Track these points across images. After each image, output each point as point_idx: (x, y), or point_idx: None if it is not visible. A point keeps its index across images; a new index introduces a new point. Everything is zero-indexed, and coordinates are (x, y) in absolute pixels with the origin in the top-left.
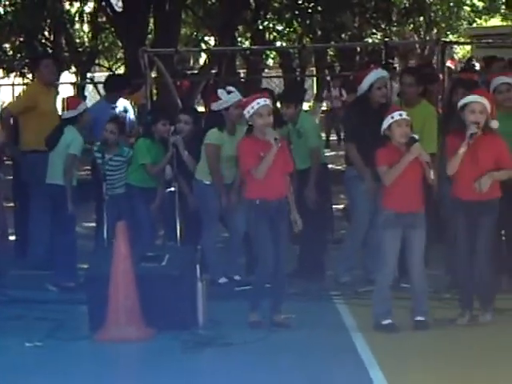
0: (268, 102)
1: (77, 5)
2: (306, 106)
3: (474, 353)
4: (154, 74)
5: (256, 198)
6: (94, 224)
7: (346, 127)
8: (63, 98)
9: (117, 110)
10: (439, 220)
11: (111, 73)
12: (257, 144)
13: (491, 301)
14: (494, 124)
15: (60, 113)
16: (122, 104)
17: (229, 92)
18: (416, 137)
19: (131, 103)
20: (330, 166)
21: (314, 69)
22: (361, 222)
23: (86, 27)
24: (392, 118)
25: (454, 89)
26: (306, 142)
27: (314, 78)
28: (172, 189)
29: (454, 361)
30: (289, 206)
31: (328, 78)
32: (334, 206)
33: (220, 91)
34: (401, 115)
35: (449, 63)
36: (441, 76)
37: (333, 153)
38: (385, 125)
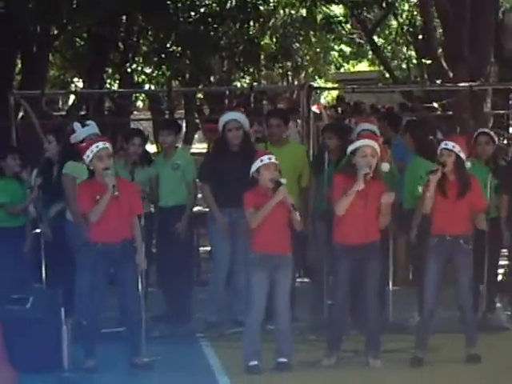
0: (107, 144)
1: None
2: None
3: None
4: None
5: (98, 241)
6: None
7: (201, 168)
8: None
9: None
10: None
11: None
12: (95, 187)
13: (379, 346)
14: (385, 167)
15: None
16: None
17: (83, 125)
18: (282, 181)
19: None
20: (197, 208)
21: (183, 111)
22: (220, 262)
23: None
24: (261, 161)
25: (323, 132)
26: (184, 176)
27: (184, 121)
28: (37, 230)
29: None
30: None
31: (197, 121)
32: (201, 248)
33: (75, 124)
34: (270, 159)
35: (314, 108)
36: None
37: (200, 195)
38: (253, 168)
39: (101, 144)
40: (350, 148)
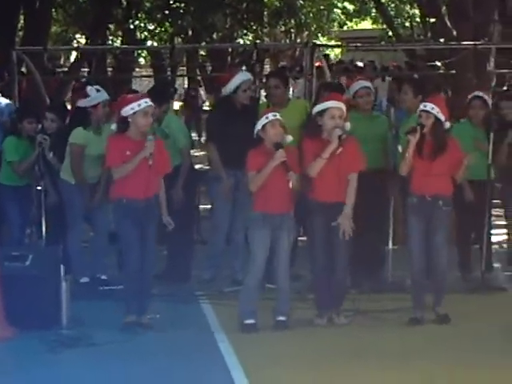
0: (152, 103)
1: None
2: (176, 105)
3: (332, 352)
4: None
5: (123, 197)
6: None
7: (209, 127)
8: None
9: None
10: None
11: None
12: (126, 142)
13: (342, 303)
14: (347, 126)
15: None
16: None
17: (98, 90)
18: (289, 138)
19: None
20: (199, 166)
21: (185, 68)
22: (220, 221)
23: None
24: (266, 118)
25: (320, 92)
26: (175, 143)
27: (186, 78)
28: (38, 187)
29: (314, 361)
30: (159, 206)
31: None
32: (201, 206)
33: (89, 88)
34: (274, 115)
35: (316, 64)
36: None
37: (202, 152)
38: (259, 125)
39: (149, 101)
40: (317, 108)
